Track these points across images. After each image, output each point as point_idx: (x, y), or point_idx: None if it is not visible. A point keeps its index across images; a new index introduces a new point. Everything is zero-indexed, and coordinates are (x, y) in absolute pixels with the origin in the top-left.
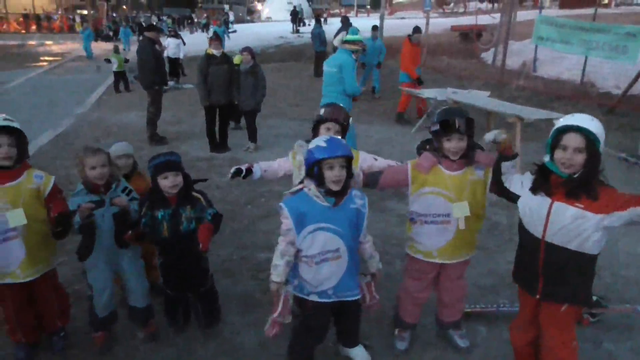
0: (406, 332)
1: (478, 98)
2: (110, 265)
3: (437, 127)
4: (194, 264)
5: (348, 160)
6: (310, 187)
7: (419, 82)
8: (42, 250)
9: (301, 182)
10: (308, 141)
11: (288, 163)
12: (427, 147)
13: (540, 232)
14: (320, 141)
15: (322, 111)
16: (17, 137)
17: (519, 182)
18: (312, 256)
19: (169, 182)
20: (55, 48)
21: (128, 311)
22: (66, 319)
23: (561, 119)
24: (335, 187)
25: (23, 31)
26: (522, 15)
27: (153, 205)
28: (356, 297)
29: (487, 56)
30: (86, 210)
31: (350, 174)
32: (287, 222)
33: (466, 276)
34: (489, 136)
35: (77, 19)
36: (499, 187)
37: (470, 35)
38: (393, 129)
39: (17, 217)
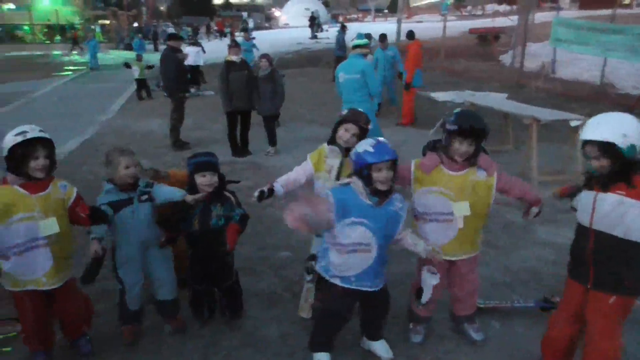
0: (420, 326)
1: (495, 100)
2: (140, 260)
3: (455, 127)
4: (220, 259)
5: (394, 162)
6: (357, 184)
7: (407, 87)
8: (65, 258)
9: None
10: (329, 142)
11: (307, 166)
12: (436, 145)
13: (588, 220)
14: (368, 146)
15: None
16: (50, 148)
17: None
18: (345, 245)
19: (206, 180)
20: (79, 57)
21: (156, 305)
22: (89, 324)
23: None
24: (382, 187)
25: (48, 42)
26: (540, 17)
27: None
28: (375, 289)
29: (505, 58)
30: (96, 253)
31: (395, 176)
32: (330, 201)
33: (477, 271)
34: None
35: (97, 29)
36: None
37: (488, 38)
38: (408, 131)
39: (50, 226)
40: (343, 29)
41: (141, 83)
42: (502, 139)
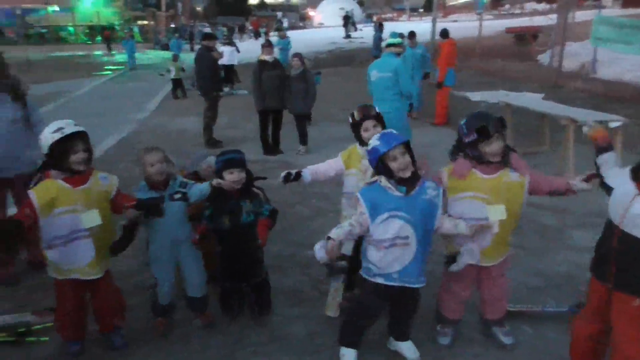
0: (448, 328)
1: (531, 100)
2: (171, 257)
3: (474, 136)
4: (250, 255)
5: (406, 146)
6: (382, 180)
7: (438, 86)
8: (105, 249)
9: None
10: (360, 144)
11: (338, 163)
12: (465, 151)
13: (619, 218)
14: (374, 140)
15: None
16: (86, 140)
17: (616, 174)
18: (383, 240)
19: (234, 177)
20: (119, 57)
21: (186, 301)
22: (122, 318)
23: None
24: (404, 174)
25: (89, 42)
26: (580, 15)
27: (217, 197)
28: (418, 285)
29: (543, 58)
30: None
31: (413, 157)
32: (361, 208)
33: (506, 274)
34: (584, 129)
35: (135, 29)
36: (600, 181)
37: (525, 37)
38: (441, 132)
39: (92, 218)
40: (380, 27)
41: (177, 82)
42: (538, 140)
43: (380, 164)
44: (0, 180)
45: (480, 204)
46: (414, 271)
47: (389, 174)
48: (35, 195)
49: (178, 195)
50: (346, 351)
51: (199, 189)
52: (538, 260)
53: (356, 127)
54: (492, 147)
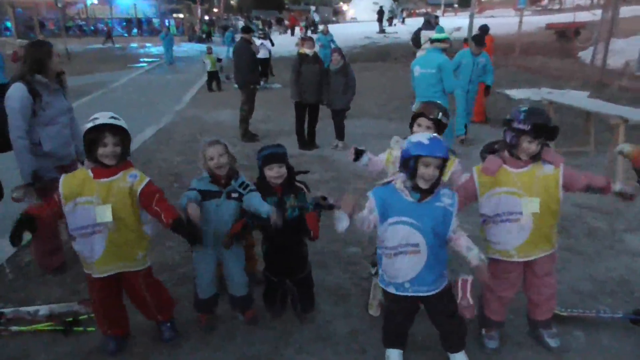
0: (494, 331)
1: (576, 98)
2: (214, 252)
3: (527, 126)
4: (295, 250)
5: (444, 161)
6: (397, 182)
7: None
8: (126, 248)
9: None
10: (405, 138)
11: (382, 158)
12: (496, 146)
13: None
14: (423, 137)
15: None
16: (122, 135)
17: None
18: (391, 248)
19: (274, 173)
20: (154, 50)
21: (229, 299)
22: (167, 314)
23: None
24: (424, 185)
25: (126, 34)
26: (626, 11)
27: (261, 193)
28: (432, 293)
29: (585, 55)
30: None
31: (441, 175)
32: (371, 206)
33: (555, 274)
34: (618, 149)
35: (172, 22)
36: None
37: (567, 34)
38: (480, 129)
39: (104, 213)
40: (429, 23)
41: (212, 75)
42: (582, 141)
43: (411, 160)
44: (62, 167)
45: (513, 199)
46: (426, 280)
47: (412, 174)
48: (62, 181)
49: (235, 195)
50: (391, 352)
51: (257, 203)
52: (589, 265)
53: (413, 118)
54: (530, 147)
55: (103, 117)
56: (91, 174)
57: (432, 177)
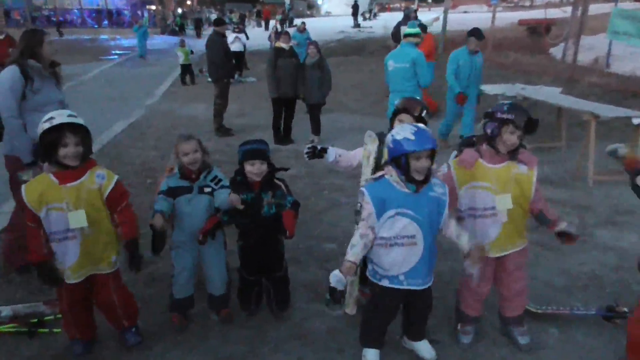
0: (469, 326)
1: (549, 94)
2: (193, 249)
3: (509, 116)
4: (272, 248)
5: (433, 152)
6: (392, 174)
7: None
8: (98, 252)
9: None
10: (380, 134)
11: (359, 154)
12: (474, 138)
13: None
14: (408, 132)
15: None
16: (82, 134)
17: None
18: (387, 238)
19: (255, 169)
20: (125, 42)
21: (207, 298)
22: (133, 321)
23: None
24: (418, 177)
25: (96, 26)
26: (593, 8)
27: (237, 188)
28: (424, 287)
29: (556, 51)
30: (160, 225)
31: (432, 164)
32: (368, 207)
33: (525, 269)
34: (610, 148)
35: (146, 14)
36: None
37: (538, 30)
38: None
39: (78, 219)
40: (409, 18)
41: (185, 68)
42: (553, 136)
43: (402, 157)
44: None
45: (488, 194)
46: (421, 273)
47: (405, 170)
48: (25, 191)
49: (208, 189)
50: (367, 351)
51: (224, 199)
52: (561, 260)
53: (394, 114)
54: (510, 138)
55: (60, 117)
56: (55, 180)
57: (425, 168)
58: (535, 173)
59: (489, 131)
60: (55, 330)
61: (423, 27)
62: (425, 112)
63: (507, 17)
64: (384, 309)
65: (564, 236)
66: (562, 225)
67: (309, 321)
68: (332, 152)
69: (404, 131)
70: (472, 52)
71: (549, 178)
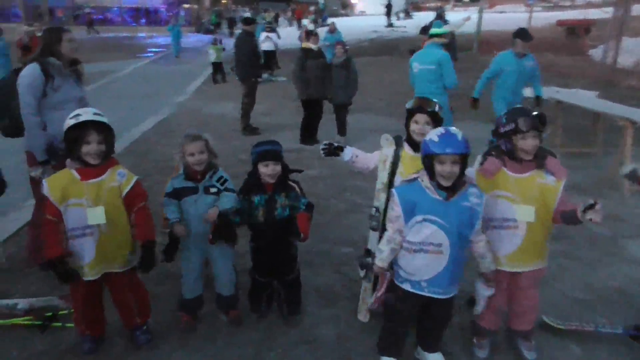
0: (485, 340)
1: (584, 98)
2: (200, 249)
3: (511, 126)
4: (284, 250)
5: (462, 157)
6: (423, 179)
7: None
8: (115, 249)
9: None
10: (397, 137)
11: (376, 157)
12: (493, 152)
13: None
14: (434, 134)
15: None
16: (106, 133)
17: None
18: (413, 243)
19: (269, 170)
20: (161, 40)
21: (215, 298)
22: (145, 317)
23: None
24: (444, 183)
25: (134, 24)
26: (638, 9)
27: (250, 190)
28: (446, 296)
29: (596, 53)
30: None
31: (463, 170)
32: (397, 209)
33: (538, 287)
34: (625, 169)
35: (182, 13)
36: None
37: (577, 31)
38: (486, 128)
39: (96, 216)
40: (441, 17)
41: (217, 66)
42: (589, 141)
43: (426, 159)
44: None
45: (508, 204)
46: (443, 281)
47: (431, 173)
48: (48, 185)
49: (214, 190)
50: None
51: (232, 201)
52: (589, 273)
53: (408, 116)
54: (526, 143)
55: (86, 114)
56: (77, 175)
57: (449, 174)
58: (563, 184)
59: (504, 148)
60: (67, 324)
61: (426, 30)
62: (438, 107)
63: (545, 17)
64: (402, 313)
65: (588, 212)
66: (582, 207)
67: (319, 327)
68: (349, 152)
69: (433, 132)
70: (520, 55)
71: (581, 185)
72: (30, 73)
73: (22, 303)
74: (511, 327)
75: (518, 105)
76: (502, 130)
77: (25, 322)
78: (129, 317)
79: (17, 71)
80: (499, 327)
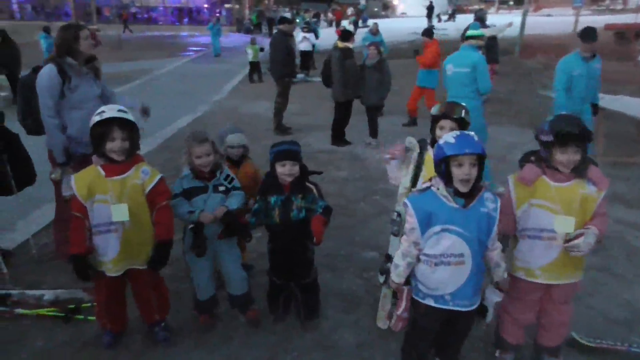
0: (508, 354)
1: (629, 105)
2: (210, 249)
3: (550, 137)
4: (300, 253)
5: (480, 158)
6: (439, 187)
7: None
8: (139, 246)
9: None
10: (421, 140)
11: None
12: (532, 158)
13: None
14: (449, 137)
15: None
16: (130, 130)
17: None
18: (432, 256)
19: (286, 170)
20: (202, 39)
21: (228, 298)
22: (164, 313)
23: None
24: (462, 188)
25: (177, 23)
26: None
27: (267, 190)
28: (470, 308)
29: None
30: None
31: (481, 174)
32: (411, 220)
33: (572, 302)
34: None
35: (224, 12)
36: None
37: (627, 35)
38: (525, 133)
39: (120, 212)
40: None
41: (254, 66)
42: (634, 150)
43: (442, 163)
44: (84, 156)
45: (546, 214)
46: (468, 293)
47: (448, 179)
48: (75, 181)
49: (222, 188)
50: None
51: (240, 199)
52: (626, 289)
53: (434, 121)
54: (565, 157)
55: (110, 111)
56: (102, 172)
57: (468, 176)
58: (603, 195)
59: (542, 154)
60: (89, 317)
61: (429, 32)
62: (464, 112)
63: (594, 21)
64: (425, 329)
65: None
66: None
67: (337, 332)
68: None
69: (447, 136)
70: (587, 58)
71: (623, 197)
72: (47, 74)
73: (48, 294)
74: (538, 342)
75: (577, 115)
76: (542, 138)
77: (50, 313)
78: (149, 313)
79: (36, 70)
80: (523, 341)
